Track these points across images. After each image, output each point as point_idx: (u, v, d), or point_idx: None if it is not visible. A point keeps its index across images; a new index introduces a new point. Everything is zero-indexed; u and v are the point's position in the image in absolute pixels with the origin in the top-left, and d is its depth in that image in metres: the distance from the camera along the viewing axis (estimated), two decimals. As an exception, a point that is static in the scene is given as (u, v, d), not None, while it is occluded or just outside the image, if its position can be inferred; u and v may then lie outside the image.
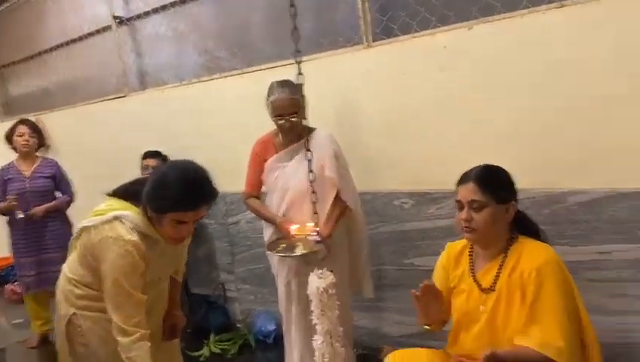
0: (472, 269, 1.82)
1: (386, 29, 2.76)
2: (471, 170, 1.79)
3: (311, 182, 1.62)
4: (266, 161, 2.56)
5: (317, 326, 1.60)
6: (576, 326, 1.68)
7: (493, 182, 1.73)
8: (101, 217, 1.76)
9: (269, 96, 2.47)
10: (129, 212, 1.75)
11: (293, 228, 2.40)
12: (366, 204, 2.81)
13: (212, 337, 3.45)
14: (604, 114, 2.13)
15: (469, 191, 1.72)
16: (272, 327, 3.37)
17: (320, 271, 1.58)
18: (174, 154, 3.62)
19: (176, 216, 1.70)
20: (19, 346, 3.98)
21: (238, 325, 3.64)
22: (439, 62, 2.51)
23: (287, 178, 2.52)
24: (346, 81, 2.86)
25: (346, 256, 2.61)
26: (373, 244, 2.83)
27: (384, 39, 2.74)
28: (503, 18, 2.32)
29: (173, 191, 1.66)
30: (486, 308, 1.74)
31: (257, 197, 2.67)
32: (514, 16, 2.29)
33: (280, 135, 2.54)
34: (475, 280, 1.79)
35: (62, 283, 1.94)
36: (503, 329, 1.71)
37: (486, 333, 1.73)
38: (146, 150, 3.73)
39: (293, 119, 2.43)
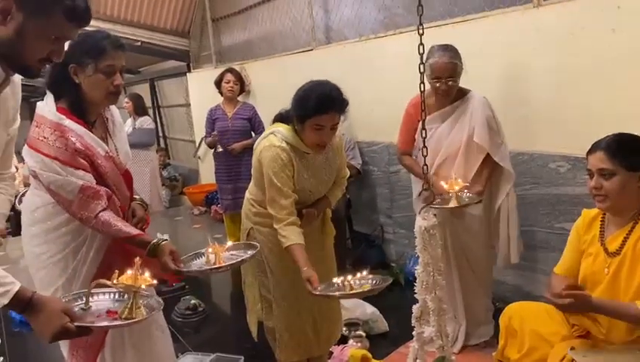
0: (602, 234, 1.85)
1: (558, -13, 2.68)
2: (602, 139, 1.78)
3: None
4: (419, 121, 2.72)
5: (419, 259, 1.85)
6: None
7: (622, 150, 1.72)
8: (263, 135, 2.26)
9: (428, 58, 2.54)
10: (281, 128, 2.19)
11: (445, 185, 2.53)
12: (521, 165, 2.85)
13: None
14: None
15: (597, 160, 1.75)
16: (421, 270, 3.63)
17: (426, 213, 1.81)
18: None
19: (314, 120, 2.07)
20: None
21: (392, 264, 3.97)
22: (611, 23, 2.40)
23: (439, 139, 2.65)
24: (514, 39, 2.87)
25: (486, 215, 2.68)
26: (525, 205, 2.88)
27: (556, -2, 2.68)
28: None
29: (311, 100, 2.07)
30: (610, 270, 1.78)
31: (410, 155, 2.82)
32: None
33: (434, 97, 2.65)
34: (603, 245, 1.83)
35: (245, 203, 2.47)
36: (624, 292, 1.74)
37: (607, 295, 1.77)
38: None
39: (449, 83, 2.54)
